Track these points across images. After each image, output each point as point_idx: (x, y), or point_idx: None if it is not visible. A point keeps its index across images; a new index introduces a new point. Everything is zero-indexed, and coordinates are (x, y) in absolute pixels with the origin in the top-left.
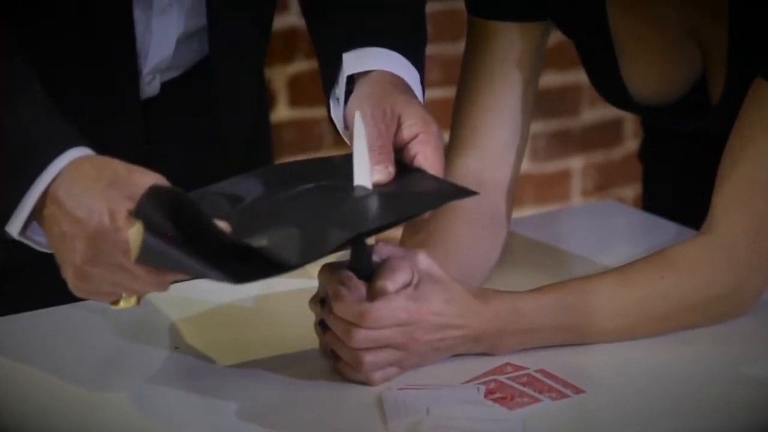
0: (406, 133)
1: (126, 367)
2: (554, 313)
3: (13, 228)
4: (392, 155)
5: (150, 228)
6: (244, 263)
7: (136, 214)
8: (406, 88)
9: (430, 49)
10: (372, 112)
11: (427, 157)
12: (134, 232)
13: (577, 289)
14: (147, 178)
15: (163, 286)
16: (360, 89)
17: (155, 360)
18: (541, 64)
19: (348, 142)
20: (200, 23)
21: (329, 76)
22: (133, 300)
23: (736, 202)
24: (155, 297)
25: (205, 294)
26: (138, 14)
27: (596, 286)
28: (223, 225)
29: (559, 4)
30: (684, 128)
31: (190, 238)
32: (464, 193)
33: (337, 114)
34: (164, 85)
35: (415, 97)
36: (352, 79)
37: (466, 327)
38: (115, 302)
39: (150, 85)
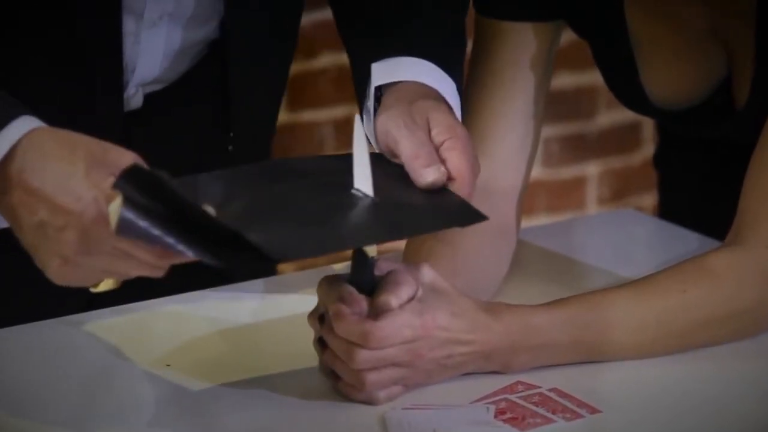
0: (435, 140)
1: (116, 384)
2: (569, 329)
3: None
4: (437, 159)
5: (129, 203)
6: (228, 248)
7: (114, 187)
8: (436, 96)
9: None
10: (405, 122)
11: (454, 164)
12: (114, 205)
13: (593, 303)
14: (125, 158)
15: (162, 270)
16: (387, 101)
17: (146, 377)
18: (552, 65)
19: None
20: (198, 36)
21: (361, 89)
22: (112, 282)
23: (764, 211)
24: (146, 311)
25: (199, 309)
26: (129, 25)
27: (613, 300)
28: (208, 209)
29: (573, 2)
30: (706, 134)
31: (171, 217)
32: (471, 218)
33: (369, 127)
34: (147, 97)
35: (444, 103)
36: (380, 90)
37: (475, 343)
38: (95, 285)
39: (134, 98)
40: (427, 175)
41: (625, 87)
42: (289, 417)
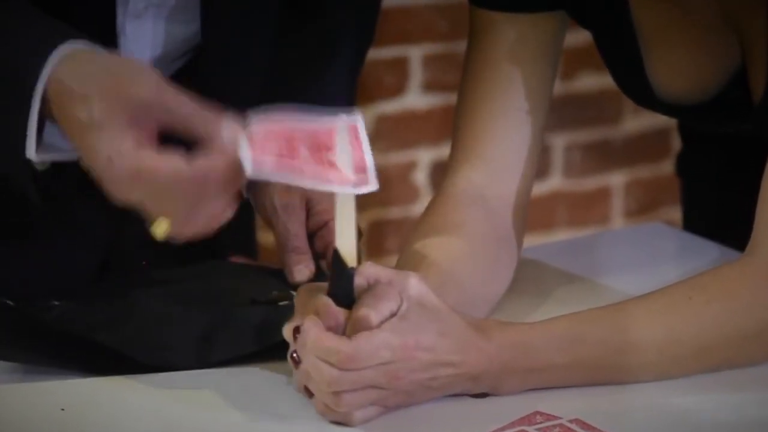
0: (315, 220)
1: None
2: (566, 348)
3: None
4: (308, 250)
5: None
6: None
7: None
8: None
9: (443, 48)
10: (281, 203)
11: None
12: None
13: (593, 319)
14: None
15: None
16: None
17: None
18: (558, 61)
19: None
20: (181, 34)
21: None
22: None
23: None
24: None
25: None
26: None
27: (616, 316)
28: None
29: None
30: (724, 130)
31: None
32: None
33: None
34: None
35: None
36: None
37: (462, 365)
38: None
39: None
40: (298, 274)
41: (631, 80)
42: None
